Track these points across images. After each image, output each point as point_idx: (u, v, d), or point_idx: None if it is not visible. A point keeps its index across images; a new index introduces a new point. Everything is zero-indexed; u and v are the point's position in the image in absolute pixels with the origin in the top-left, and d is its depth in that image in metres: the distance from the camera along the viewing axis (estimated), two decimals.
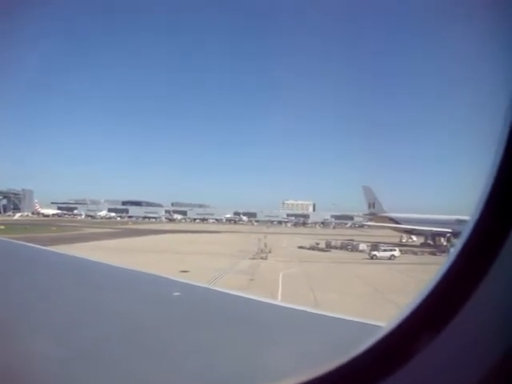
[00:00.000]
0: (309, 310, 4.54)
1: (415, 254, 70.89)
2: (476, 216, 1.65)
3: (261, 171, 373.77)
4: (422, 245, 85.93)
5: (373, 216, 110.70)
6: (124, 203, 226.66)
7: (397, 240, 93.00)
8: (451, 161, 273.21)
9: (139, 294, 5.16)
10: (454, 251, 1.71)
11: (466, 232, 1.66)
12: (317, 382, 1.71)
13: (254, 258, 59.24)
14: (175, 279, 6.04)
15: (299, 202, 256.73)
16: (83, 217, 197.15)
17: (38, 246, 10.42)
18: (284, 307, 4.70)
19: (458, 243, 1.70)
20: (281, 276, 42.75)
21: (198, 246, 74.37)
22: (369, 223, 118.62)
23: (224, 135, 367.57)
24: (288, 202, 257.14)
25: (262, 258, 59.33)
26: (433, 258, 65.67)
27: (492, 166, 1.58)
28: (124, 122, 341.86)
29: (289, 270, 47.45)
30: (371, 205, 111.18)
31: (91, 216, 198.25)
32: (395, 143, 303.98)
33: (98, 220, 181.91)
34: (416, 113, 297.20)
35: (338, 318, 4.04)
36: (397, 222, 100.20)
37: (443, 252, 71.79)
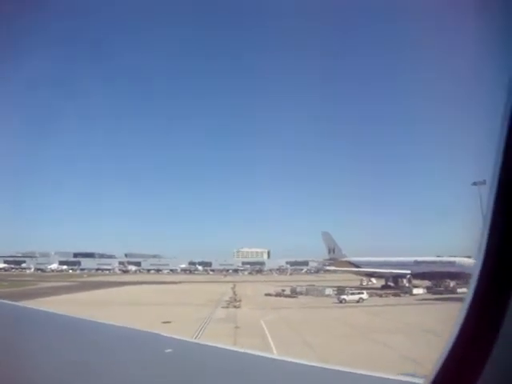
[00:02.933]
0: (306, 362, 4.33)
1: (380, 296, 73.20)
2: (479, 266, 1.64)
3: (213, 220, 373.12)
4: (383, 287, 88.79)
5: (333, 261, 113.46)
6: (75, 255, 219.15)
7: (357, 283, 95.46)
8: (403, 200, 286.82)
9: (131, 351, 5.04)
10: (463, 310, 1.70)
11: (472, 284, 1.65)
12: None
13: (227, 307, 59.37)
14: (165, 335, 5.78)
15: (253, 250, 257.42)
16: (32, 270, 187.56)
17: (13, 303, 10.20)
18: (281, 360, 4.48)
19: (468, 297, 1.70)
20: (263, 323, 43.43)
21: (166, 297, 73.67)
22: (329, 268, 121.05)
23: (175, 184, 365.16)
24: (242, 250, 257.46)
25: (235, 307, 59.47)
26: (398, 299, 68.66)
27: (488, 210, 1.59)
28: (72, 170, 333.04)
29: (267, 317, 48.12)
30: (331, 250, 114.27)
31: (41, 269, 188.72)
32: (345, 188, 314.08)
33: (49, 273, 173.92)
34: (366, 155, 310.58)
35: (334, 370, 3.96)
36: (357, 266, 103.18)
37: (406, 293, 74.86)
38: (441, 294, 74.67)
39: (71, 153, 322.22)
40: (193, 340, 5.82)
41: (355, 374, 3.80)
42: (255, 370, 4.16)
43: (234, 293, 69.06)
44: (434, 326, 40.84)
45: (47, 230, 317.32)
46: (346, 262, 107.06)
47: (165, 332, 5.99)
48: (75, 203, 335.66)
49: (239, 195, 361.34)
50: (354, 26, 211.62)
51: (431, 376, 1.75)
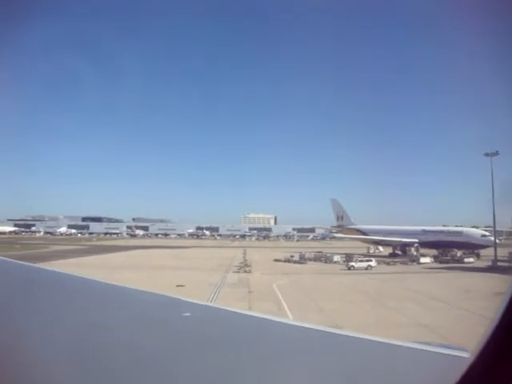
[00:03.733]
0: (324, 328, 4.24)
1: (388, 264, 73.80)
2: None
3: (221, 185, 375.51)
4: (391, 255, 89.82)
5: (341, 228, 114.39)
6: (84, 219, 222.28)
7: (363, 251, 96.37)
8: (411, 172, 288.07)
9: (148, 314, 5.00)
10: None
11: None
12: None
13: (238, 272, 60.44)
14: (182, 298, 5.71)
15: (260, 216, 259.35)
16: (42, 234, 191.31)
17: (32, 265, 10.05)
18: (298, 326, 4.36)
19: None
20: (275, 288, 44.43)
21: (176, 261, 74.91)
22: (337, 235, 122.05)
23: (183, 149, 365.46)
24: (249, 215, 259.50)
25: (245, 272, 60.56)
26: (405, 268, 69.64)
27: None
28: (82, 135, 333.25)
29: (278, 282, 49.03)
30: (339, 217, 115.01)
31: (50, 233, 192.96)
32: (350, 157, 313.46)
33: (59, 237, 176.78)
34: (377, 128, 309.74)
35: (356, 338, 3.88)
36: (365, 234, 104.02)
37: (413, 261, 75.73)
38: (447, 263, 75.58)
39: (82, 117, 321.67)
40: (211, 304, 5.81)
41: (386, 343, 3.67)
42: (272, 335, 4.11)
43: (245, 258, 69.93)
44: (442, 294, 41.86)
45: (56, 194, 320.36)
46: (353, 229, 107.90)
47: (180, 295, 6.04)
48: (84, 168, 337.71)
49: (246, 161, 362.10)
50: None
51: (476, 351, 1.60)
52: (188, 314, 4.64)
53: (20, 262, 10.57)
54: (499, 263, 68.03)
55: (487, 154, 71.37)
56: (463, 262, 74.58)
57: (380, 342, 3.61)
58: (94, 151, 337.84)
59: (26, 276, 8.05)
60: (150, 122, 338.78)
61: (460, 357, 2.98)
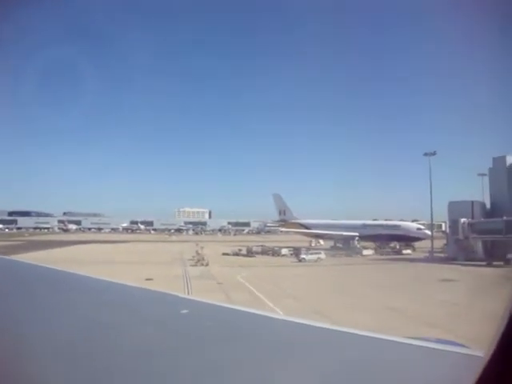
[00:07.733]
0: (323, 325, 4.19)
1: (334, 256, 78.09)
2: None
3: (154, 178, 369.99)
4: (332, 248, 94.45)
5: (284, 222, 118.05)
6: (11, 213, 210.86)
7: (302, 244, 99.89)
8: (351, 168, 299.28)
9: (146, 312, 4.99)
10: None
11: None
12: None
13: (196, 265, 61.65)
14: (178, 295, 5.75)
15: (195, 210, 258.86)
16: None
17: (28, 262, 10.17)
18: (298, 323, 4.30)
19: None
20: (241, 279, 46.38)
21: (127, 256, 74.08)
22: (282, 229, 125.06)
23: (115, 140, 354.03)
24: (183, 209, 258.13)
25: (203, 265, 61.88)
26: (352, 259, 74.91)
27: None
28: (10, 127, 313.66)
29: (241, 274, 50.94)
30: (282, 212, 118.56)
31: None
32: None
33: None
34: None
35: (356, 334, 3.80)
36: (307, 228, 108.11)
37: (357, 253, 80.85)
38: (388, 254, 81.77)
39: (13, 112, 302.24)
40: (207, 301, 5.49)
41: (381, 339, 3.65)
42: (270, 331, 4.15)
43: (197, 252, 70.61)
44: (397, 281, 45.72)
45: None
46: (296, 223, 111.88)
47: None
48: (9, 160, 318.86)
49: (181, 155, 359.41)
50: None
51: (490, 350, 1.65)
52: (186, 311, 4.71)
53: (17, 259, 11.26)
54: (435, 254, 74.76)
55: (426, 154, 77.98)
56: (402, 254, 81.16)
57: (376, 338, 3.64)
58: (20, 143, 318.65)
59: (22, 273, 8.22)
60: (85, 113, 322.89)
61: (458, 353, 3.12)
